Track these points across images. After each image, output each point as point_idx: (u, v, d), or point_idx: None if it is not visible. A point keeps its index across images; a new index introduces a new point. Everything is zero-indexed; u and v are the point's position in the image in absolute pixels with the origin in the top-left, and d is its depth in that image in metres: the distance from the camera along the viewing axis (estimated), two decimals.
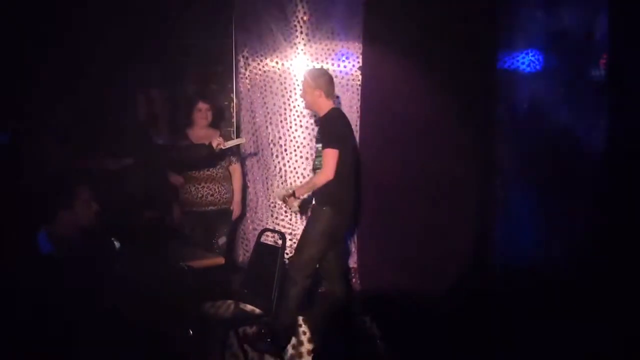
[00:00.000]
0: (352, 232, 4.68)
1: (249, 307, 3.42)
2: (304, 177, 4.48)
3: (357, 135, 4.50)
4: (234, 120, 4.95)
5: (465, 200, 4.19)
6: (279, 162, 4.56)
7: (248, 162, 4.87)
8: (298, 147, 4.50)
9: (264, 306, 3.37)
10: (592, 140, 3.73)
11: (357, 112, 4.60)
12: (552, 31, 3.91)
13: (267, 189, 4.69)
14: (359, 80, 4.59)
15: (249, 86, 4.78)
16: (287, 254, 4.14)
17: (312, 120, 4.46)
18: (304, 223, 4.01)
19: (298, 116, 4.49)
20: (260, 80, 4.66)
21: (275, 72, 4.56)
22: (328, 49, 4.51)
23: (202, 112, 4.40)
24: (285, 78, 4.52)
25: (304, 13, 4.41)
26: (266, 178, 4.70)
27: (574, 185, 3.80)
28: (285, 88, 4.52)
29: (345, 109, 4.41)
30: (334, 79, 3.94)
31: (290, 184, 4.49)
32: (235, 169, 4.49)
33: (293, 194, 3.73)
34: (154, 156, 4.47)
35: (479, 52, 4.01)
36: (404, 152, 4.35)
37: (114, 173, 4.19)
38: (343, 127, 3.76)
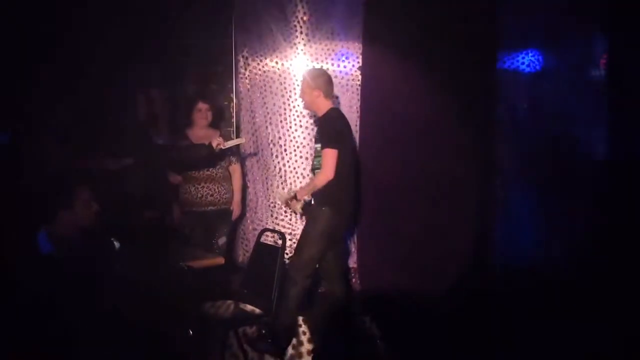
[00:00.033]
0: (352, 232, 4.68)
1: (249, 307, 3.42)
2: (303, 177, 4.48)
3: (357, 135, 4.50)
4: (234, 120, 4.94)
5: (465, 200, 4.19)
6: (278, 162, 4.56)
7: (248, 162, 4.87)
8: (298, 147, 4.50)
9: (264, 306, 3.37)
10: (592, 140, 3.74)
11: (357, 112, 4.59)
12: (552, 31, 3.91)
13: (267, 189, 4.69)
14: (358, 80, 4.59)
15: (248, 86, 4.78)
16: (287, 254, 4.13)
17: (312, 121, 4.45)
18: (304, 223, 4.01)
19: (298, 116, 4.49)
20: (260, 80, 4.66)
21: (275, 72, 4.56)
22: (328, 49, 4.51)
23: (202, 112, 4.40)
24: (285, 78, 4.52)
25: (304, 13, 4.41)
26: (266, 178, 4.70)
27: (574, 185, 3.80)
28: (285, 88, 4.52)
29: (345, 109, 4.41)
30: (334, 79, 3.94)
31: (290, 184, 4.49)
32: (235, 169, 4.49)
33: (295, 197, 3.75)
34: (154, 156, 4.46)
35: (479, 52, 4.01)
36: (404, 152, 4.35)
37: (114, 173, 4.19)
38: (342, 127, 3.76)
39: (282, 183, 4.54)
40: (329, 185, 3.61)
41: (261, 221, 4.73)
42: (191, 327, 3.29)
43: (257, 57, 4.65)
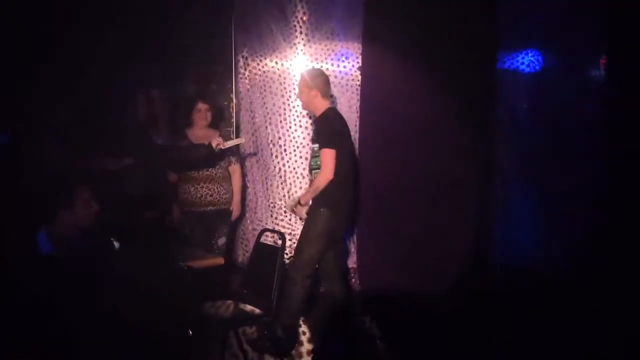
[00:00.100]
0: (351, 232, 4.68)
1: (249, 307, 3.42)
2: (303, 177, 4.48)
3: (357, 135, 4.50)
4: (234, 120, 4.94)
5: (465, 200, 4.18)
6: (278, 163, 4.56)
7: (247, 163, 4.87)
8: (297, 147, 4.50)
9: (264, 306, 3.37)
10: (592, 140, 3.73)
11: (357, 112, 4.59)
12: (552, 31, 3.91)
13: (267, 189, 4.69)
14: (358, 80, 4.59)
15: (248, 86, 4.78)
16: (286, 254, 4.13)
17: (311, 121, 4.45)
18: (303, 223, 4.01)
19: (297, 116, 4.48)
20: (259, 81, 4.66)
21: (274, 73, 4.56)
22: (328, 49, 4.51)
23: (202, 112, 4.40)
24: (284, 78, 4.52)
25: (304, 13, 4.41)
26: (266, 178, 4.70)
27: (574, 185, 3.80)
28: (285, 88, 4.51)
29: (344, 109, 4.41)
30: (334, 79, 3.94)
31: (290, 184, 4.49)
32: (235, 169, 4.49)
33: (299, 202, 3.75)
34: (154, 156, 4.47)
35: (479, 52, 4.01)
36: (404, 152, 4.35)
37: (114, 173, 4.20)
38: (339, 127, 3.76)
39: (281, 183, 4.54)
40: (328, 185, 3.61)
41: (261, 221, 4.73)
42: (191, 327, 3.29)
43: (257, 57, 4.65)
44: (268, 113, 4.60)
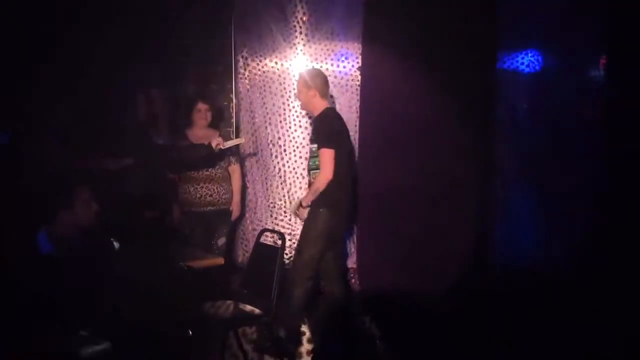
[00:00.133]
0: (351, 232, 4.68)
1: (249, 307, 3.42)
2: (303, 177, 4.48)
3: (356, 135, 4.50)
4: (233, 120, 4.94)
5: (465, 200, 4.18)
6: (278, 163, 4.56)
7: (247, 163, 4.87)
8: (297, 147, 4.50)
9: (264, 306, 3.37)
10: (592, 140, 3.73)
11: (357, 112, 4.59)
12: (552, 31, 3.91)
13: (267, 190, 4.69)
14: (358, 80, 4.58)
15: (248, 86, 4.78)
16: (286, 254, 4.13)
17: (311, 121, 4.45)
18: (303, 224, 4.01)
19: (297, 116, 4.48)
20: (259, 81, 4.66)
21: (274, 73, 4.56)
22: (327, 50, 4.50)
23: (202, 112, 4.41)
24: (284, 78, 4.52)
25: (304, 13, 4.41)
26: (265, 178, 4.70)
27: (574, 185, 3.79)
28: (285, 88, 4.51)
29: (344, 109, 4.41)
30: (334, 80, 3.94)
31: (290, 184, 4.49)
32: (235, 169, 4.49)
33: (301, 204, 3.76)
34: (153, 156, 4.47)
35: (479, 52, 4.00)
36: (404, 152, 4.34)
37: (114, 173, 4.20)
38: (338, 127, 3.76)
39: (281, 183, 4.54)
40: (327, 185, 3.61)
41: (260, 221, 4.73)
42: (191, 327, 3.29)
43: (256, 57, 4.65)
44: (268, 113, 4.60)
